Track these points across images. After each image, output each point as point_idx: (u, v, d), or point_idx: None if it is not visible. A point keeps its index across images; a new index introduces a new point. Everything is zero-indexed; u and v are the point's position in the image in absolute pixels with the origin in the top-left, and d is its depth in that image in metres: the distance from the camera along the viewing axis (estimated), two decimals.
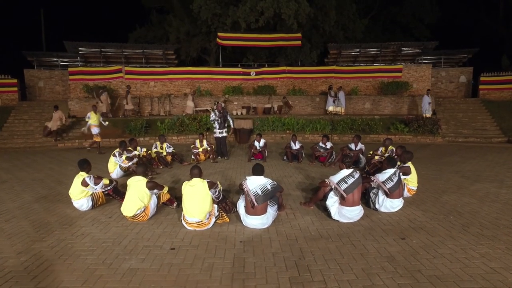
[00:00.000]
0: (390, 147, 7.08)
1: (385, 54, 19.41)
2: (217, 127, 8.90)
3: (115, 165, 6.79)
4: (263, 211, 3.93)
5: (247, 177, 4.08)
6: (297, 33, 17.66)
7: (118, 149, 6.82)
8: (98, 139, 10.91)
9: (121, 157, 6.68)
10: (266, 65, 19.09)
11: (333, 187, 4.23)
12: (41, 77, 18.35)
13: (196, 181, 4.03)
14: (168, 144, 8.54)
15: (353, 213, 4.12)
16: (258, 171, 4.07)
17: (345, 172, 4.23)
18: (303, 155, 8.56)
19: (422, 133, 13.36)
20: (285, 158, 8.76)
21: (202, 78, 17.98)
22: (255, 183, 3.95)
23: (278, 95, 17.23)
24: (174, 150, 8.56)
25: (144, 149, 8.00)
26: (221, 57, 19.63)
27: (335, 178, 4.23)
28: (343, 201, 4.12)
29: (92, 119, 10.79)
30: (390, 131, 13.79)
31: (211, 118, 8.97)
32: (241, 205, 4.13)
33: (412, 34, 25.39)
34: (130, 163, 6.74)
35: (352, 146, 7.93)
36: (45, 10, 25.00)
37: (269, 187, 3.97)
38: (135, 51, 18.85)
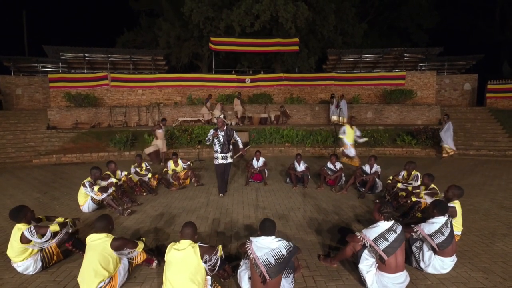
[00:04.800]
0: (414, 172, 6.01)
1: (386, 60, 18.55)
2: (219, 150, 6.26)
3: (85, 197, 5.57)
4: (276, 287, 2.80)
5: (253, 239, 2.94)
6: (294, 38, 16.67)
7: (88, 178, 5.60)
8: (356, 163, 7.96)
9: (92, 188, 5.46)
10: (262, 72, 18.02)
11: (368, 244, 3.12)
12: (19, 83, 16.96)
13: (185, 244, 2.87)
14: (146, 164, 7.36)
15: (397, 282, 3.02)
16: (268, 229, 2.93)
17: (384, 225, 3.13)
18: (309, 177, 7.45)
19: (432, 145, 12.41)
20: (288, 180, 7.64)
21: (193, 85, 16.84)
22: (265, 248, 2.82)
23: (275, 104, 16.18)
24: (149, 174, 7.17)
25: (125, 173, 6.75)
26: (214, 63, 18.52)
27: (370, 233, 3.13)
28: (382, 265, 3.02)
29: (349, 136, 8.05)
30: (396, 143, 12.81)
31: (207, 137, 6.31)
32: (244, 276, 2.97)
33: (410, 40, 24.75)
34: (105, 195, 5.52)
35: (367, 168, 6.85)
36: (28, 12, 23.66)
37: (284, 252, 2.84)
38: (122, 56, 17.60)
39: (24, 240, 3.40)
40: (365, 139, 8.82)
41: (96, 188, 5.44)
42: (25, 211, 3.58)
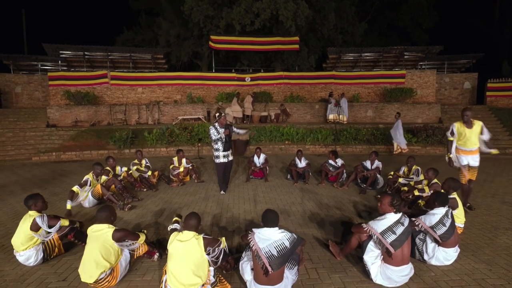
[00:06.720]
0: (415, 167, 6.02)
1: (386, 59, 18.56)
2: (221, 148, 6.12)
3: (85, 192, 5.56)
4: (279, 278, 2.77)
5: (255, 230, 2.90)
6: (294, 37, 16.66)
7: (90, 174, 5.58)
8: (474, 175, 5.38)
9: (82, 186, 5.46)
10: (262, 70, 18.02)
11: (374, 236, 3.10)
12: (18, 82, 16.91)
13: (188, 235, 2.83)
14: (146, 160, 7.31)
15: (402, 274, 2.99)
16: (271, 220, 2.88)
17: (392, 217, 3.09)
18: (310, 173, 7.43)
19: (431, 143, 12.41)
20: (289, 177, 7.62)
21: (193, 84, 16.82)
22: (268, 240, 2.78)
23: (275, 102, 16.17)
24: (149, 172, 7.03)
25: (125, 169, 6.72)
26: (214, 62, 18.51)
27: (378, 225, 3.09)
28: (388, 258, 3.00)
29: (462, 137, 5.12)
30: None
31: (213, 137, 6.00)
32: (246, 268, 2.94)
33: (409, 39, 24.79)
34: (104, 191, 5.49)
35: (368, 164, 6.83)
36: (27, 11, 23.63)
37: (287, 243, 2.80)
38: (122, 55, 17.55)
39: (34, 227, 3.43)
40: (495, 151, 5.77)
41: (75, 188, 5.39)
42: (35, 199, 3.63)
